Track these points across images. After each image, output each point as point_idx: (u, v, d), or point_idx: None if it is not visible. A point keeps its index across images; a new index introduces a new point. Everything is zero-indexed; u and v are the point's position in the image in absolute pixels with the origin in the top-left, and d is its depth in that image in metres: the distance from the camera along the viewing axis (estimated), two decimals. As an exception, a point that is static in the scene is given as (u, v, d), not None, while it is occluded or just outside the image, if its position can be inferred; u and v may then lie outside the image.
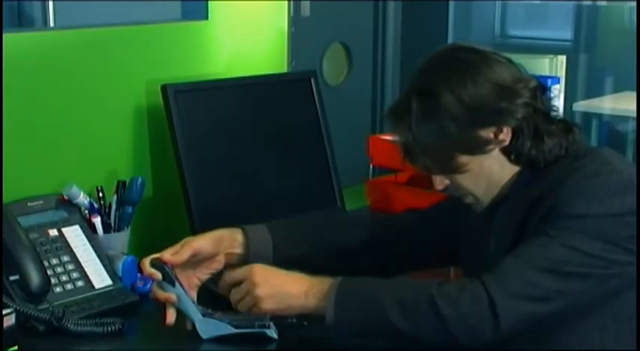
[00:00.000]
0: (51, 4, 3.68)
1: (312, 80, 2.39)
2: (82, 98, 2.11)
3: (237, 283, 1.65)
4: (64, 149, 2.09)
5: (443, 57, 1.64)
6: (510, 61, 1.63)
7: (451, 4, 3.74)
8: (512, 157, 1.62)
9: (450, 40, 3.69)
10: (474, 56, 1.61)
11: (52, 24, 3.70)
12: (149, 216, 2.19)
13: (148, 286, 1.97)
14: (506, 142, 1.60)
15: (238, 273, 1.67)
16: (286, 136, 2.33)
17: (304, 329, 1.69)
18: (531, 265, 1.52)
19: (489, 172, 1.62)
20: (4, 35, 1.95)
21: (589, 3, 4.15)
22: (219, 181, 2.19)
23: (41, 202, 1.96)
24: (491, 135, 1.59)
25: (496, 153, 1.61)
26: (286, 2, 2.55)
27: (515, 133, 1.59)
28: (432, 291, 1.52)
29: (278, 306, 1.62)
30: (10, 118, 1.96)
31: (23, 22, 3.79)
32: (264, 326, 1.68)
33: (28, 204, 1.94)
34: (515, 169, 1.63)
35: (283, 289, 1.62)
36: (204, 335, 1.70)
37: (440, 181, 1.66)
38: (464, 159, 1.61)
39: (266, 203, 2.26)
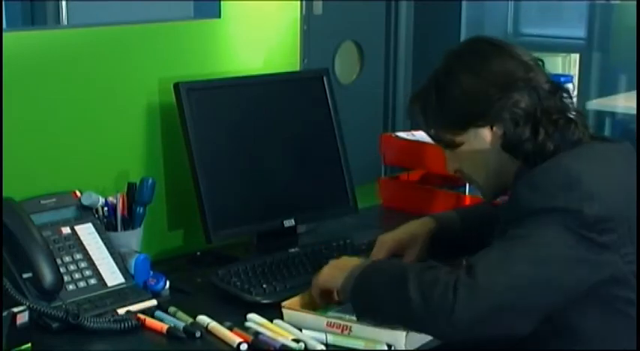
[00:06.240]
0: (64, 2, 3.68)
1: (325, 78, 2.38)
2: (94, 96, 2.11)
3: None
4: (76, 147, 2.09)
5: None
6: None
7: (464, 2, 3.72)
8: (510, 152, 1.69)
9: (463, 38, 3.68)
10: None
11: (64, 22, 3.71)
12: (162, 215, 2.20)
13: (161, 284, 1.97)
14: (499, 136, 1.69)
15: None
16: (298, 135, 2.33)
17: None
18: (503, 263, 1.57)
19: (486, 162, 1.73)
20: (17, 33, 1.96)
21: (602, 1, 4.13)
22: (231, 180, 2.19)
23: (54, 199, 1.97)
24: (487, 130, 1.71)
25: (494, 146, 1.71)
26: (299, 1, 2.55)
27: (510, 129, 1.68)
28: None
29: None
30: (22, 116, 1.96)
31: (36, 20, 3.80)
32: None
33: (41, 202, 1.95)
34: (517, 163, 1.70)
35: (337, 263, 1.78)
36: None
37: (450, 164, 1.81)
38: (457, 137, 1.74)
39: (278, 202, 2.26)
